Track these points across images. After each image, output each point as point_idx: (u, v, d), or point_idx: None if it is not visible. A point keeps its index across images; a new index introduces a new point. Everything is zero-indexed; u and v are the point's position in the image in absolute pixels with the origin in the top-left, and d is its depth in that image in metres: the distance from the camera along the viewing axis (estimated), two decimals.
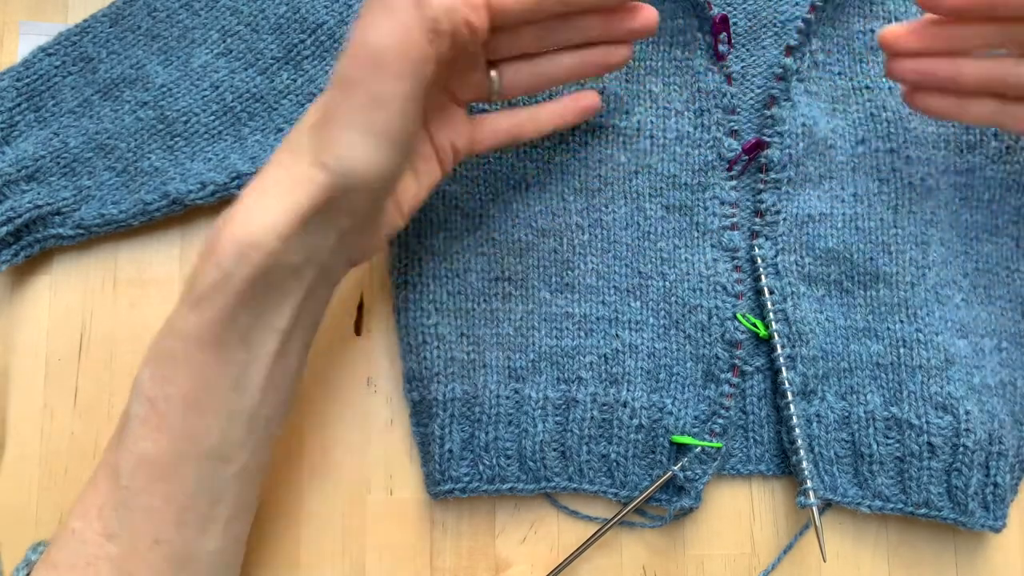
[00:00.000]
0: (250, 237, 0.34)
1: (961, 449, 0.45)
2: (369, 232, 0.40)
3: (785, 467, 0.48)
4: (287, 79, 0.49)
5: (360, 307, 0.49)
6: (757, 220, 0.49)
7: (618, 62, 0.44)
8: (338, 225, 0.36)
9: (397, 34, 0.33)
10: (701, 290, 0.48)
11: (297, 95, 0.49)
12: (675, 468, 0.46)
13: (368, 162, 0.34)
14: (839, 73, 0.50)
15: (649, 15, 0.42)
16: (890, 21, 0.51)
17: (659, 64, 0.50)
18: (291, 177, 0.35)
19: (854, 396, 0.48)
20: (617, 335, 0.47)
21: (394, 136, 0.34)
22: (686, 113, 0.49)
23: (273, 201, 0.34)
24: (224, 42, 0.49)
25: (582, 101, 0.46)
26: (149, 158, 0.48)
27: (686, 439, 0.46)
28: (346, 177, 0.34)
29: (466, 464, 0.46)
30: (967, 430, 0.46)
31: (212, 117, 0.48)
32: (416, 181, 0.42)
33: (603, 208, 0.49)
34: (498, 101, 0.45)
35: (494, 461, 0.46)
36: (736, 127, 0.49)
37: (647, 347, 0.47)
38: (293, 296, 0.37)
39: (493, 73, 0.42)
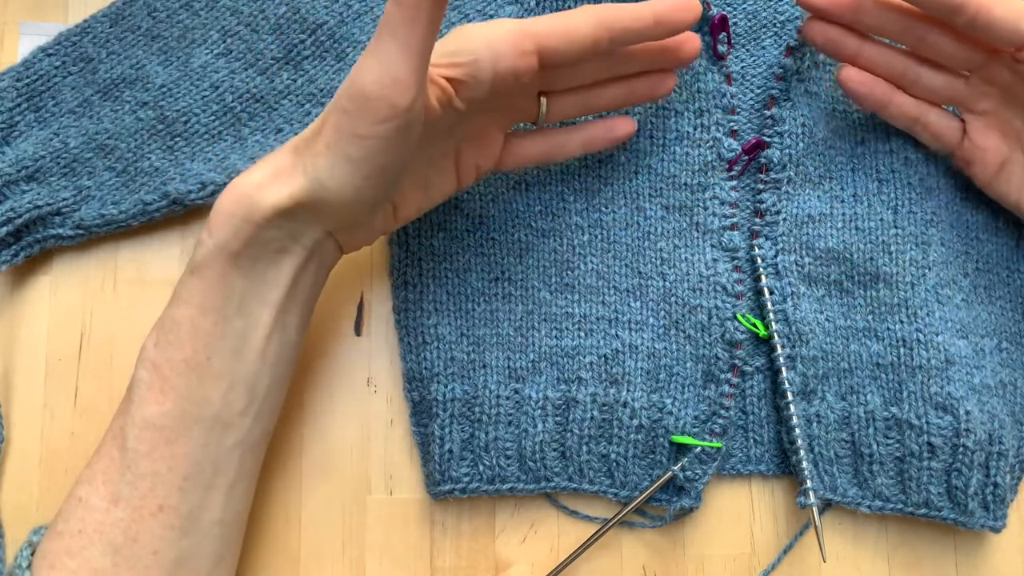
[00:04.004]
0: (241, 211, 0.37)
1: (961, 449, 0.45)
2: (360, 231, 0.42)
3: (785, 467, 0.48)
4: (287, 79, 0.49)
5: (360, 307, 0.49)
6: (757, 220, 0.49)
7: (665, 92, 0.46)
8: (322, 222, 0.39)
9: (384, 81, 0.34)
10: (701, 290, 0.48)
11: (297, 95, 0.49)
12: (675, 468, 0.46)
13: (340, 185, 0.36)
14: None
15: (694, 44, 0.44)
16: None
17: None
18: (284, 170, 0.37)
19: (854, 396, 0.48)
20: (617, 335, 0.47)
21: (370, 169, 0.36)
22: (686, 113, 0.49)
23: (266, 182, 0.37)
24: (224, 42, 0.49)
25: (617, 130, 0.46)
26: (149, 158, 0.48)
27: (686, 439, 0.46)
28: (319, 191, 0.36)
29: (466, 464, 0.46)
30: (967, 430, 0.46)
31: (212, 117, 0.48)
32: (424, 192, 0.43)
33: (603, 208, 0.49)
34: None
35: (494, 461, 0.46)
36: (736, 127, 0.49)
37: (647, 347, 0.47)
38: (284, 273, 0.39)
39: (543, 101, 0.43)
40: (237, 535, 0.41)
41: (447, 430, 0.46)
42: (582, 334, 0.47)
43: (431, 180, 0.43)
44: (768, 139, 0.49)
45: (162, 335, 0.38)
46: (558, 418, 0.47)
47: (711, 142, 0.49)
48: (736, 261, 0.48)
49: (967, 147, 0.47)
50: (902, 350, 0.47)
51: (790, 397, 0.46)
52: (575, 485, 0.47)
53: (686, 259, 0.48)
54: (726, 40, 0.49)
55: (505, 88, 0.39)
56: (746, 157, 0.49)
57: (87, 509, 0.37)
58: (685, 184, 0.49)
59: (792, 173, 0.49)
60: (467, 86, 0.38)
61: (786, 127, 0.48)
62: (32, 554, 0.38)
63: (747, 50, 0.50)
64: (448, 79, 0.38)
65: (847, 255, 0.48)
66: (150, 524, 0.37)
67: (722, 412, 0.47)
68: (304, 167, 0.37)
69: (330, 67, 0.49)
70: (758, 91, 0.50)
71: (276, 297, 0.39)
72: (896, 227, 0.48)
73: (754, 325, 0.48)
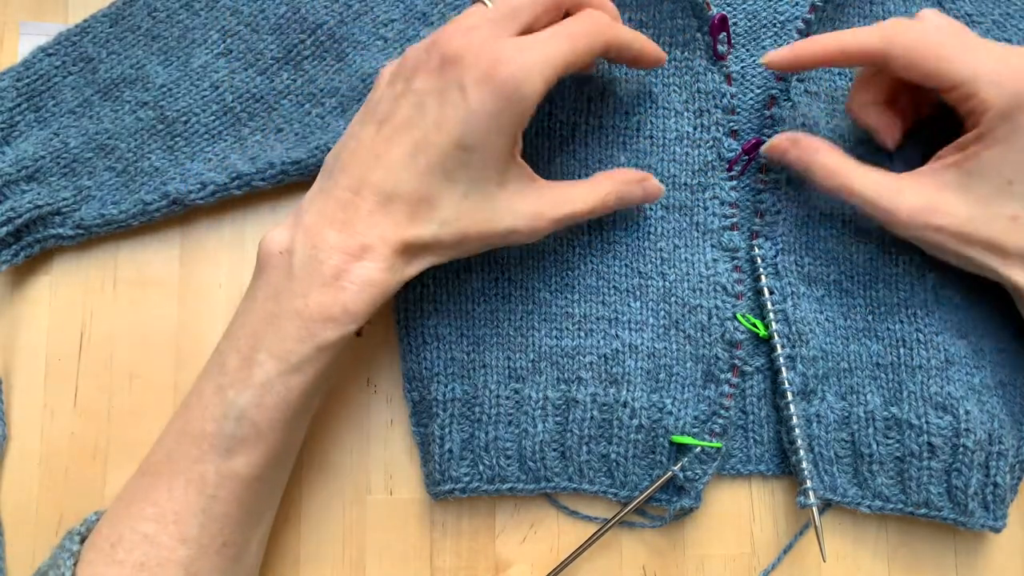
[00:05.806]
0: (346, 319, 0.38)
1: (961, 449, 0.45)
2: None
3: (785, 467, 0.48)
4: (287, 79, 0.49)
5: None
6: (757, 220, 0.49)
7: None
8: None
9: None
10: (701, 290, 0.48)
11: (297, 95, 0.49)
12: (675, 468, 0.46)
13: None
14: (839, 73, 0.50)
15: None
16: None
17: None
18: (383, 265, 0.39)
19: (854, 396, 0.48)
20: (617, 335, 0.47)
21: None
22: (686, 113, 0.49)
23: (363, 285, 0.39)
24: (224, 42, 0.49)
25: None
26: (149, 158, 0.48)
27: (686, 439, 0.46)
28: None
29: (466, 464, 0.46)
30: (967, 430, 0.46)
31: (212, 117, 0.48)
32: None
33: None
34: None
35: (494, 461, 0.46)
36: (736, 127, 0.49)
37: (647, 347, 0.47)
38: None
39: None
40: (262, 549, 0.44)
41: (447, 430, 0.46)
42: (582, 334, 0.47)
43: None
44: (768, 139, 0.49)
45: (263, 398, 0.39)
46: (558, 418, 0.47)
47: (711, 142, 0.49)
48: (736, 261, 0.48)
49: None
50: (902, 350, 0.47)
51: (790, 397, 0.46)
52: (575, 485, 0.46)
53: (686, 259, 0.48)
54: (726, 40, 0.49)
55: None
56: (746, 157, 0.49)
57: (154, 546, 0.38)
58: (685, 184, 0.49)
59: (792, 173, 0.49)
60: None
61: (786, 127, 0.48)
62: (75, 564, 0.38)
63: (747, 50, 0.50)
64: None
65: (847, 255, 0.48)
66: (213, 559, 0.39)
67: (722, 412, 0.47)
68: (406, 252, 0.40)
69: (330, 67, 0.49)
70: (758, 91, 0.50)
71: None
72: None
73: (754, 325, 0.48)
